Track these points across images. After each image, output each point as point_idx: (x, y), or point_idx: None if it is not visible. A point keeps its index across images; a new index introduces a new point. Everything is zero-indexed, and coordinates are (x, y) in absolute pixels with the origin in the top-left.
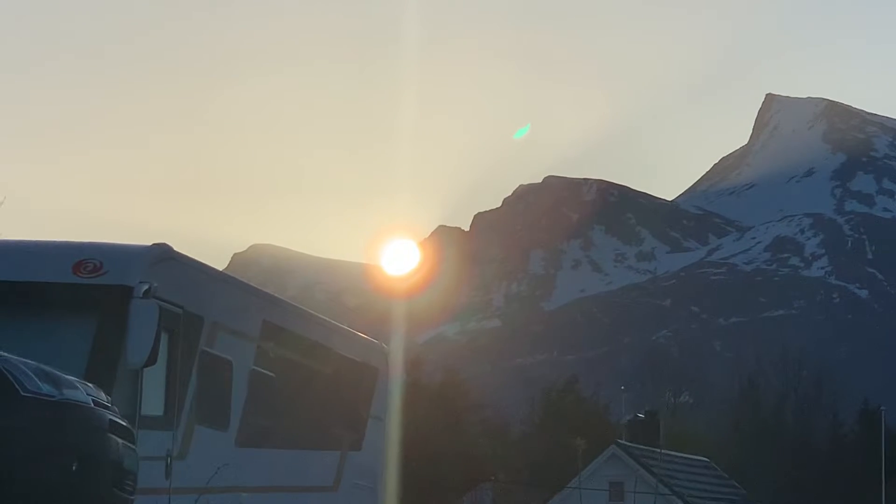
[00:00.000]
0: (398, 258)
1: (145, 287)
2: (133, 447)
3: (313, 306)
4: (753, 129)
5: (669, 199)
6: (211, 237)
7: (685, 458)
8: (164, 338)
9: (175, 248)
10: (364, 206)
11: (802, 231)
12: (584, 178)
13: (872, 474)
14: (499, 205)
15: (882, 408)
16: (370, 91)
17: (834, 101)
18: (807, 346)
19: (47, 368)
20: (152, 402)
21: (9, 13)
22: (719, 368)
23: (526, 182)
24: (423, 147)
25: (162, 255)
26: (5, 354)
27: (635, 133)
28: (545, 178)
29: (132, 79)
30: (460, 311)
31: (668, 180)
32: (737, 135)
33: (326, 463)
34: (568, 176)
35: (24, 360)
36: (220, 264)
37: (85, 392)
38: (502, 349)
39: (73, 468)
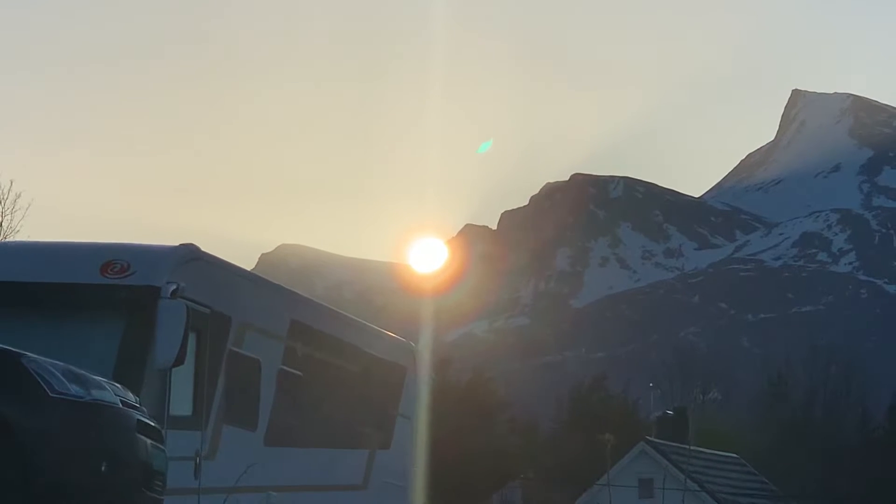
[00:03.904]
0: (426, 257)
1: (173, 287)
2: (162, 447)
3: (342, 305)
4: (780, 125)
5: (696, 196)
6: (239, 238)
7: (714, 454)
8: (191, 338)
9: (202, 249)
10: (391, 205)
11: (830, 227)
12: (611, 176)
13: None
14: (526, 203)
15: None
16: (397, 91)
17: (860, 97)
18: (835, 341)
19: (75, 369)
20: (180, 403)
21: (38, 21)
22: (748, 365)
23: (553, 180)
24: (449, 146)
25: (189, 256)
26: (33, 356)
27: (662, 130)
28: (572, 175)
29: (162, 80)
30: (488, 310)
31: (694, 177)
32: (763, 131)
33: (355, 462)
34: (594, 173)
35: (53, 361)
36: (247, 265)
37: (113, 393)
38: (530, 347)
39: (102, 469)
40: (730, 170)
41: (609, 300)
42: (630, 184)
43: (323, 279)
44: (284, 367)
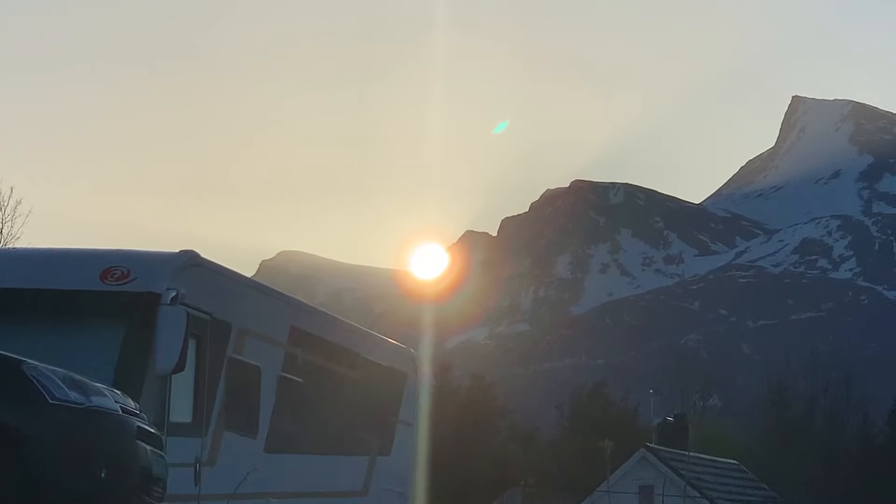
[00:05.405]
0: (427, 263)
1: (173, 294)
2: (162, 454)
3: (342, 312)
4: (780, 132)
5: (697, 203)
6: (239, 244)
7: (714, 460)
8: (191, 344)
9: (202, 255)
10: (392, 212)
11: (830, 233)
12: (612, 182)
13: None
14: (526, 209)
15: None
16: (398, 97)
17: (860, 103)
18: (835, 347)
19: (75, 376)
20: (181, 409)
21: (38, 24)
22: (748, 371)
23: (553, 186)
24: (450, 153)
25: (189, 262)
26: (33, 362)
27: (662, 136)
28: (572, 182)
29: (162, 86)
30: (488, 316)
31: (695, 183)
32: (763, 137)
33: (355, 468)
34: (595, 180)
35: (53, 367)
36: (248, 271)
37: (113, 399)
38: (530, 353)
39: (102, 476)
40: (730, 176)
41: (609, 307)
42: (630, 190)
43: (323, 286)
44: (285, 374)
